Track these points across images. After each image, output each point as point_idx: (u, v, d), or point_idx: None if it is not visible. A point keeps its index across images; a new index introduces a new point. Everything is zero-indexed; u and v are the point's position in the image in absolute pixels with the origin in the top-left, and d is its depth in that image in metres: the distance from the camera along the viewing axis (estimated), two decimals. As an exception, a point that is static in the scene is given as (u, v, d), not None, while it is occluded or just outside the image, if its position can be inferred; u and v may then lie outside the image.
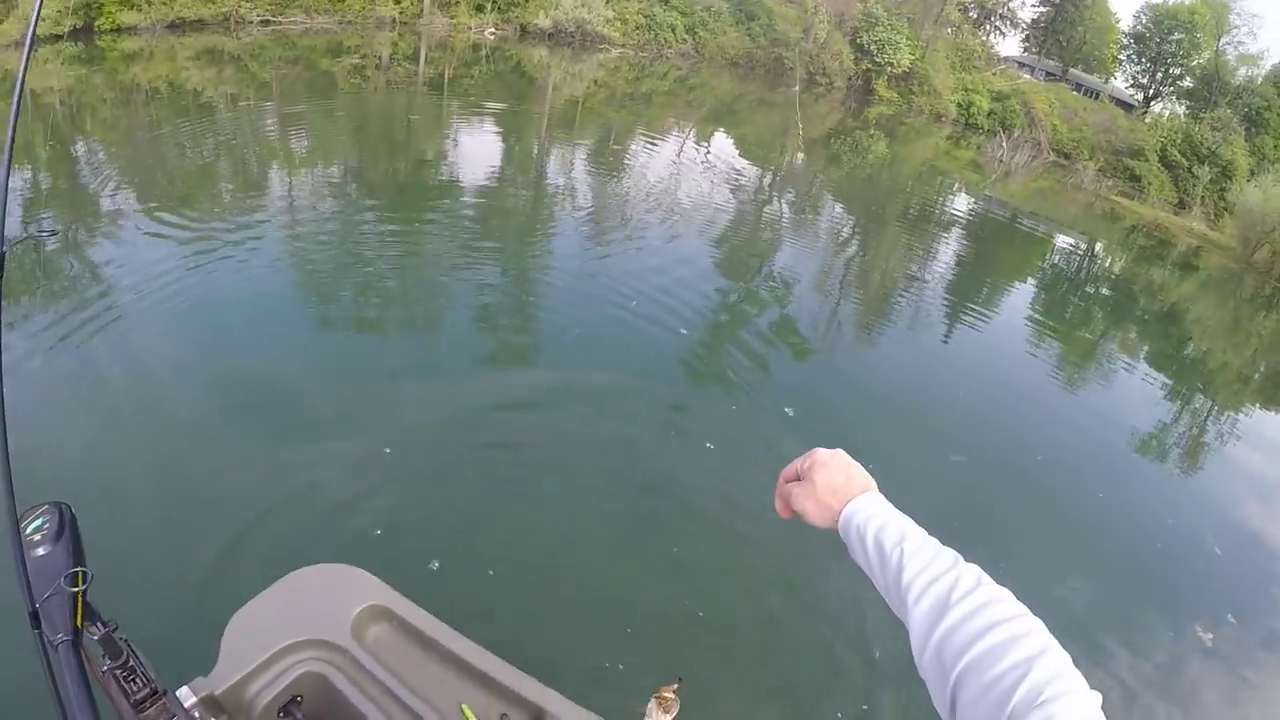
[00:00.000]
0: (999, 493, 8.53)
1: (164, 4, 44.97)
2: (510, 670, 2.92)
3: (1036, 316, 14.97)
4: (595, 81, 36.29)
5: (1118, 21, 64.68)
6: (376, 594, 3.12)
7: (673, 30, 51.85)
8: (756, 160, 24.06)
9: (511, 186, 15.89)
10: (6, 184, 2.22)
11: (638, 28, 51.49)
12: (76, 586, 1.87)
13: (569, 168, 18.34)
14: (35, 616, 1.84)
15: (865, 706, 5.15)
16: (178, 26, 43.96)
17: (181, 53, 34.73)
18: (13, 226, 11.11)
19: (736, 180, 19.72)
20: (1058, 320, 15.35)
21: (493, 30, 50.08)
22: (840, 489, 1.52)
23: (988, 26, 60.65)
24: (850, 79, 51.25)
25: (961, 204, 25.48)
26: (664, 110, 31.16)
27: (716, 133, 28.24)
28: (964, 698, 1.09)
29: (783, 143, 29.19)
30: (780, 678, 5.43)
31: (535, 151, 20.11)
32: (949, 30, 53.50)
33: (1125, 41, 63.42)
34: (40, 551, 1.94)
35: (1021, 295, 16.32)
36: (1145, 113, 59.38)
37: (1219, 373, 16.06)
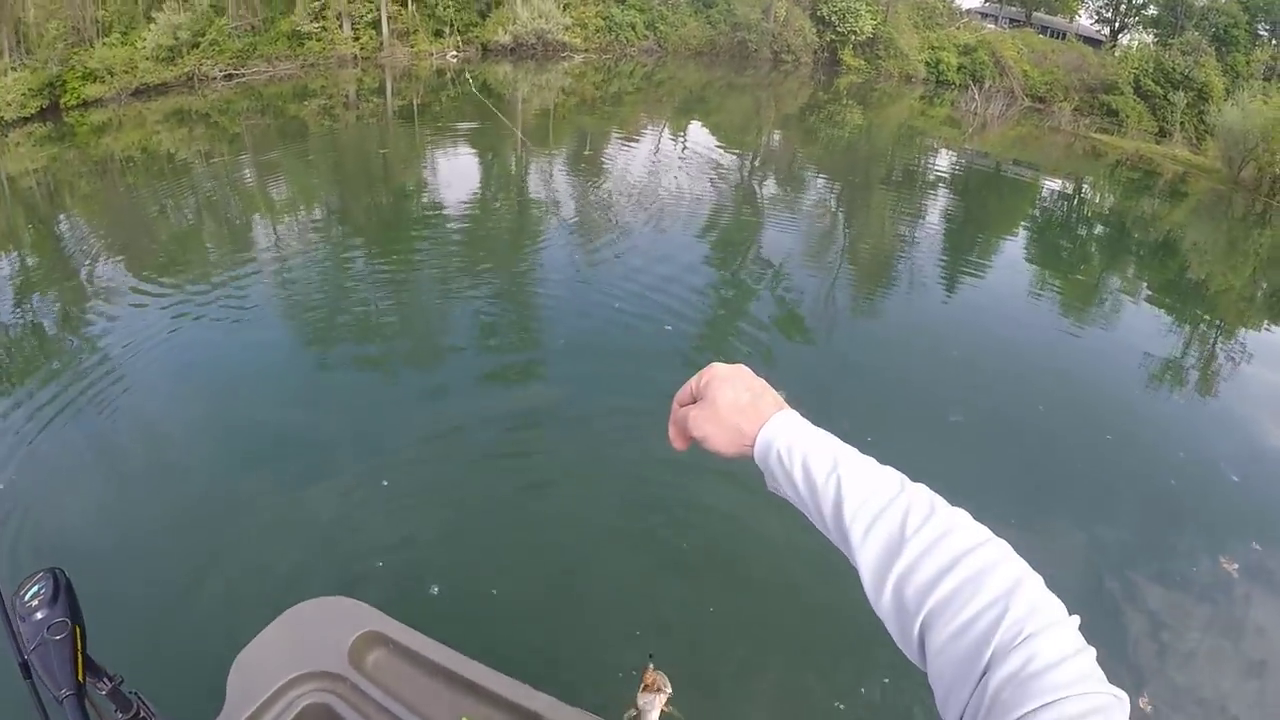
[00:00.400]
0: (1003, 448, 8.40)
1: (126, 73, 45.30)
2: (505, 680, 3.01)
3: (1032, 264, 14.91)
4: (563, 90, 36.38)
5: None
6: (371, 621, 3.23)
7: (633, 28, 51.87)
8: (733, 145, 24.02)
9: (494, 205, 15.90)
10: None
11: (597, 30, 51.56)
12: (75, 643, 1.97)
13: (549, 179, 18.35)
14: (26, 667, 1.91)
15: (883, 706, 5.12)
16: (142, 93, 44.27)
17: (150, 118, 35.00)
18: (7, 316, 11.33)
19: (716, 168, 19.70)
20: (1054, 265, 15.27)
21: (454, 53, 50.19)
22: (748, 409, 1.32)
23: (945, -19, 60.61)
24: (816, 53, 51.14)
25: (943, 161, 25.38)
26: (635, 109, 31.16)
27: (690, 123, 28.21)
28: (934, 642, 0.98)
29: (758, 124, 29.19)
30: (794, 681, 5.38)
31: (513, 167, 20.11)
32: (908, -9, 53.40)
33: None
34: (38, 616, 1.99)
35: (1015, 244, 16.24)
36: (1114, 46, 58.98)
37: (1221, 296, 15.94)
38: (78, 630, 2.03)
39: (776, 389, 1.37)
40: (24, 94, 44.23)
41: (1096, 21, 64.06)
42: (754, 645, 5.47)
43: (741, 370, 1.38)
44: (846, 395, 8.86)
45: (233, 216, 16.72)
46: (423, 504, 6.69)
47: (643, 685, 1.84)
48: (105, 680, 2.15)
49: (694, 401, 1.40)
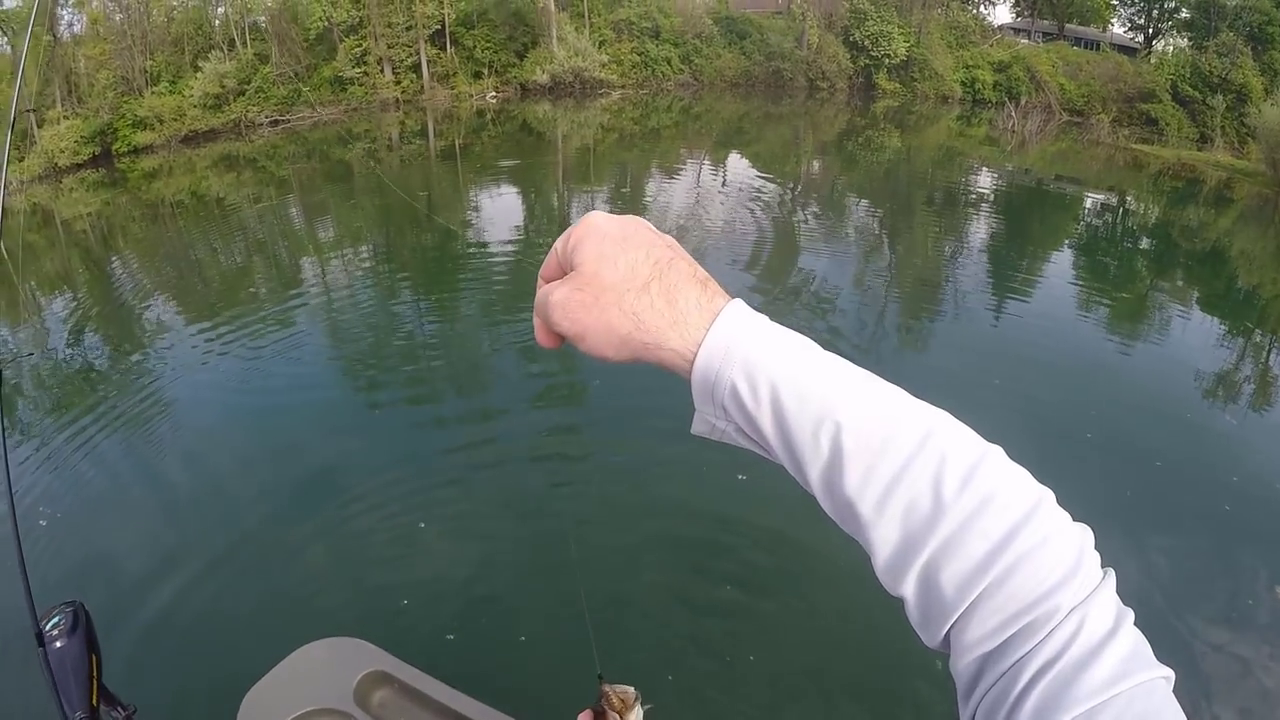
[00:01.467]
0: (1048, 476, 7.89)
1: (175, 120, 46.21)
2: (503, 718, 3.10)
3: (1077, 282, 14.61)
4: (602, 126, 36.52)
5: None
6: (378, 661, 3.36)
7: (668, 63, 52.08)
8: (773, 174, 23.90)
9: (536, 242, 15.89)
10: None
11: (634, 66, 51.83)
12: (91, 670, 2.17)
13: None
14: (40, 636, 2.19)
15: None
16: (191, 139, 45.21)
17: (199, 163, 35.49)
18: (62, 350, 11.63)
19: (757, 198, 19.60)
20: (1099, 282, 14.97)
21: (494, 94, 50.62)
22: (646, 280, 0.85)
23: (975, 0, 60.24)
24: (851, 78, 51.06)
25: (984, 181, 25.10)
26: (674, 143, 31.22)
27: (729, 155, 28.18)
28: (971, 636, 0.75)
29: (796, 153, 29.08)
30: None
31: (555, 205, 20.14)
32: (938, 10, 53.07)
33: None
34: (58, 644, 2.16)
35: (1059, 262, 15.95)
36: (1149, 53, 58.08)
37: (1274, 304, 15.54)
38: (94, 659, 2.20)
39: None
40: (76, 141, 45.04)
41: (1129, 29, 63.20)
42: (799, 699, 5.33)
43: (635, 224, 0.90)
44: None
45: (280, 257, 16.97)
46: (456, 544, 6.72)
47: (605, 710, 1.36)
48: (120, 709, 2.31)
49: (562, 276, 0.90)
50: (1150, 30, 60.83)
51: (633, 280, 0.84)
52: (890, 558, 0.78)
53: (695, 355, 0.82)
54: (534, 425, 8.68)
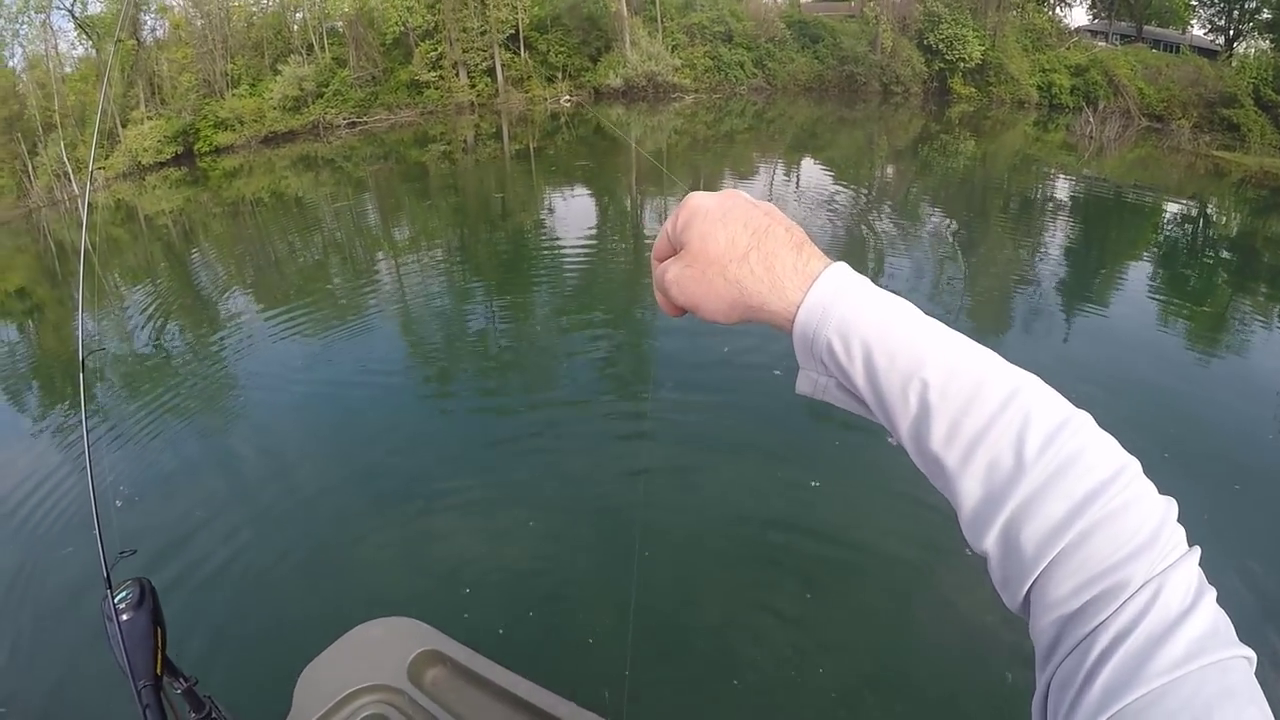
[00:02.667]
0: None
1: (255, 122, 47.52)
2: (562, 702, 3.09)
3: (1156, 295, 14.06)
4: (675, 130, 36.45)
5: None
6: (431, 641, 3.41)
7: (741, 67, 52.02)
8: (847, 180, 23.61)
9: (610, 245, 15.86)
10: (81, 306, 3.45)
11: (706, 71, 51.86)
12: (155, 642, 2.38)
13: (663, 219, 18.18)
14: (108, 580, 2.51)
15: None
16: (271, 140, 46.54)
17: (278, 164, 36.06)
18: (142, 339, 12.29)
19: (831, 204, 19.34)
20: (1179, 294, 14.41)
21: (568, 98, 50.90)
22: (746, 249, 0.91)
23: (1051, 1, 59.09)
24: (925, 83, 50.61)
25: (1061, 188, 24.47)
26: (747, 147, 31.01)
27: (803, 160, 27.92)
28: (1051, 596, 0.75)
29: (870, 158, 28.76)
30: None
31: (629, 207, 20.08)
32: (1014, 13, 52.18)
33: None
34: (125, 617, 2.35)
35: (1137, 273, 15.42)
36: (1230, 56, 56.26)
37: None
38: (159, 632, 2.40)
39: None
40: (160, 141, 47.17)
41: (1210, 31, 61.46)
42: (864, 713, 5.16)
43: (733, 198, 0.98)
44: None
45: (356, 254, 17.19)
46: (519, 537, 6.68)
47: None
48: (182, 680, 2.50)
49: (674, 254, 1.01)
50: (1231, 32, 59.08)
51: (733, 251, 0.92)
52: (973, 513, 0.80)
53: (795, 316, 0.88)
54: (604, 425, 8.61)
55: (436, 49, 51.03)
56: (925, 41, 49.64)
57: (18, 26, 52.33)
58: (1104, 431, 0.81)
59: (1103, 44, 56.77)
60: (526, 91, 51.68)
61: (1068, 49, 52.24)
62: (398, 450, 8.13)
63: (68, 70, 54.35)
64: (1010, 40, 50.54)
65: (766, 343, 9.60)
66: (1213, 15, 59.65)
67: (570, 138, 35.57)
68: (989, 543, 0.79)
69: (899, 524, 6.37)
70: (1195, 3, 60.15)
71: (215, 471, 8.07)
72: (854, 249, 15.11)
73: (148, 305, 15.05)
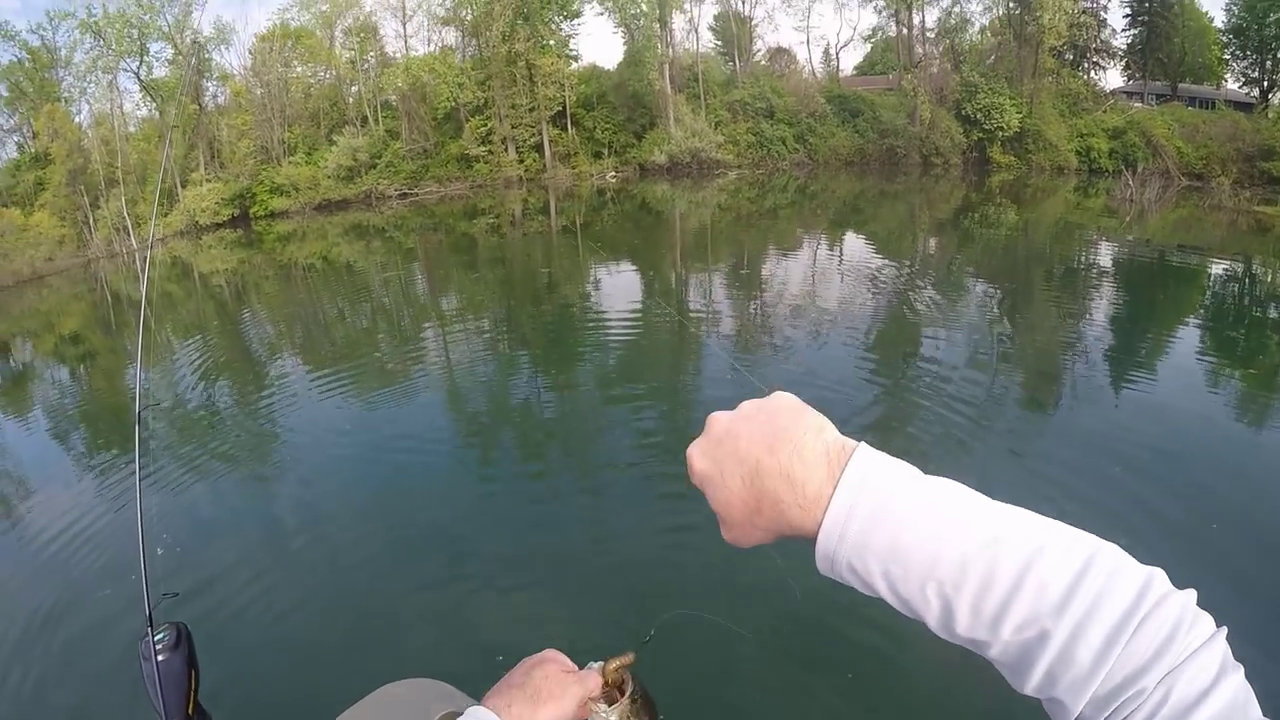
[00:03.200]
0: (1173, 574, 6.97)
1: (310, 189, 48.66)
2: None
3: (1204, 357, 13.60)
4: (719, 206, 36.59)
5: (1211, 21, 61.00)
6: (457, 702, 3.21)
7: (783, 142, 52.39)
8: (890, 253, 23.42)
9: (655, 320, 15.75)
10: (141, 360, 3.62)
11: (749, 146, 52.30)
12: (189, 685, 2.46)
13: (708, 294, 18.15)
14: (150, 620, 2.62)
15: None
16: (324, 207, 47.69)
17: (331, 230, 36.58)
18: (190, 391, 12.73)
19: (874, 278, 19.14)
20: (1228, 356, 13.91)
21: (613, 174, 51.44)
22: (758, 501, 0.92)
23: (1085, 65, 58.95)
24: (965, 153, 50.65)
25: (1104, 254, 24.10)
26: (790, 222, 31.03)
27: (845, 234, 27.84)
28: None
29: (913, 231, 28.68)
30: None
31: (674, 283, 20.08)
32: (1049, 79, 52.21)
33: (1225, 39, 59.69)
34: (161, 658, 2.41)
35: (1184, 337, 14.97)
36: (1266, 108, 55.64)
37: None
38: (193, 675, 2.48)
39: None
40: (217, 203, 48.77)
41: (1244, 84, 60.92)
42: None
43: (779, 400, 1.00)
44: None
45: (403, 321, 17.36)
46: (561, 610, 6.51)
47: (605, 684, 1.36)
48: None
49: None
50: (1265, 84, 58.52)
51: (747, 512, 0.95)
52: (1010, 672, 0.84)
53: (815, 541, 0.89)
54: (648, 499, 8.45)
55: (486, 124, 51.91)
56: (963, 112, 49.76)
57: (85, 84, 54.70)
58: (1123, 556, 0.82)
59: (1139, 104, 56.38)
60: (573, 167, 52.32)
61: (1104, 112, 52.04)
62: (437, 514, 8.04)
63: (131, 129, 56.28)
64: (1047, 106, 50.52)
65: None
66: (1246, 68, 59.10)
67: (616, 213, 35.81)
68: (1029, 691, 0.82)
69: None
70: (1228, 57, 59.74)
71: (253, 523, 8.12)
72: (898, 325, 14.96)
73: (198, 359, 15.44)
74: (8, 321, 30.26)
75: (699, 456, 1.01)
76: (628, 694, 1.35)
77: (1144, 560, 0.81)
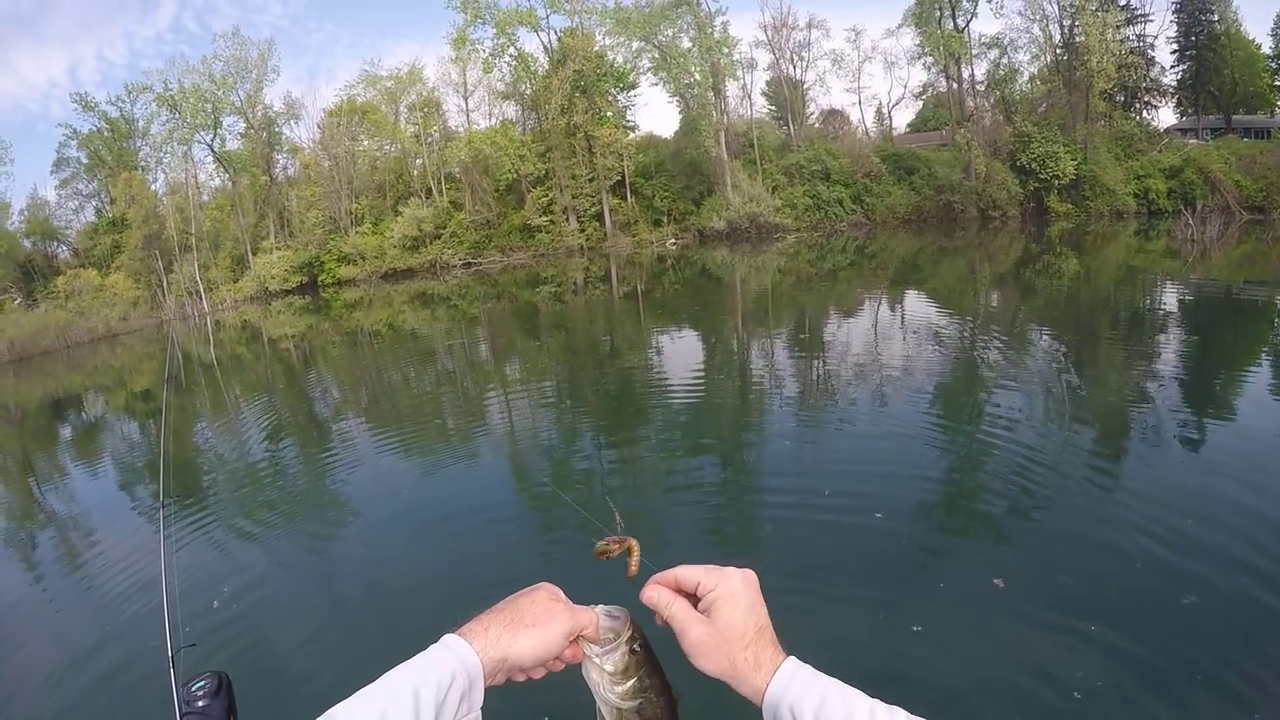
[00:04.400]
0: (1244, 628, 5.91)
1: (376, 258, 49.98)
2: None
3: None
4: (779, 270, 36.40)
5: (1260, 48, 60.82)
6: None
7: (840, 204, 52.44)
8: (952, 310, 22.80)
9: (717, 385, 15.40)
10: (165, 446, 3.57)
11: (807, 209, 52.48)
12: None
13: (770, 358, 17.73)
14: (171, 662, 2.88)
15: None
16: (390, 276, 49.02)
17: (397, 298, 37.11)
18: (256, 450, 13.26)
19: (936, 336, 18.55)
20: None
21: (673, 241, 51.78)
22: (751, 642, 1.23)
23: (1137, 105, 58.14)
24: (1022, 204, 50.17)
25: (1170, 297, 23.23)
26: (850, 284, 30.56)
27: (906, 293, 27.29)
28: None
29: (974, 286, 28.14)
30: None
31: (735, 348, 19.77)
32: (1101, 123, 51.61)
33: (1275, 65, 59.46)
34: (201, 704, 2.49)
35: (1257, 375, 14.09)
36: None
37: None
38: None
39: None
40: (287, 270, 50.86)
41: None
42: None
43: (752, 584, 1.30)
44: (1072, 588, 7.08)
45: (467, 387, 17.32)
46: None
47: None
48: None
49: (692, 597, 1.31)
50: None
51: (743, 633, 1.25)
52: None
53: (764, 693, 1.21)
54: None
55: (548, 195, 52.61)
56: (1018, 162, 49.28)
57: (161, 154, 57.14)
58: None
59: (1194, 140, 55.43)
60: (633, 235, 52.66)
61: (1159, 151, 51.13)
62: (493, 583, 7.80)
63: (204, 198, 58.82)
64: (1102, 151, 49.83)
65: (868, 485, 9.11)
66: None
67: (676, 279, 35.79)
68: None
69: (1003, 677, 5.72)
70: (1279, 83, 58.78)
71: (304, 581, 8.10)
72: (963, 381, 14.43)
73: (264, 419, 15.94)
74: (83, 375, 31.38)
75: (702, 640, 1.26)
76: (624, 639, 1.33)
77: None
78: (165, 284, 48.46)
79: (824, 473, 9.69)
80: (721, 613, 1.24)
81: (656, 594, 1.32)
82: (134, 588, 7.93)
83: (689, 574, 1.30)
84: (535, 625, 1.25)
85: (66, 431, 20.07)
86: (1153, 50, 57.60)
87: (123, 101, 59.94)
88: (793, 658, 1.23)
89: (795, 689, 1.17)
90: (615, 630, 1.34)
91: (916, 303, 24.83)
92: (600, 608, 1.37)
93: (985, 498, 9.00)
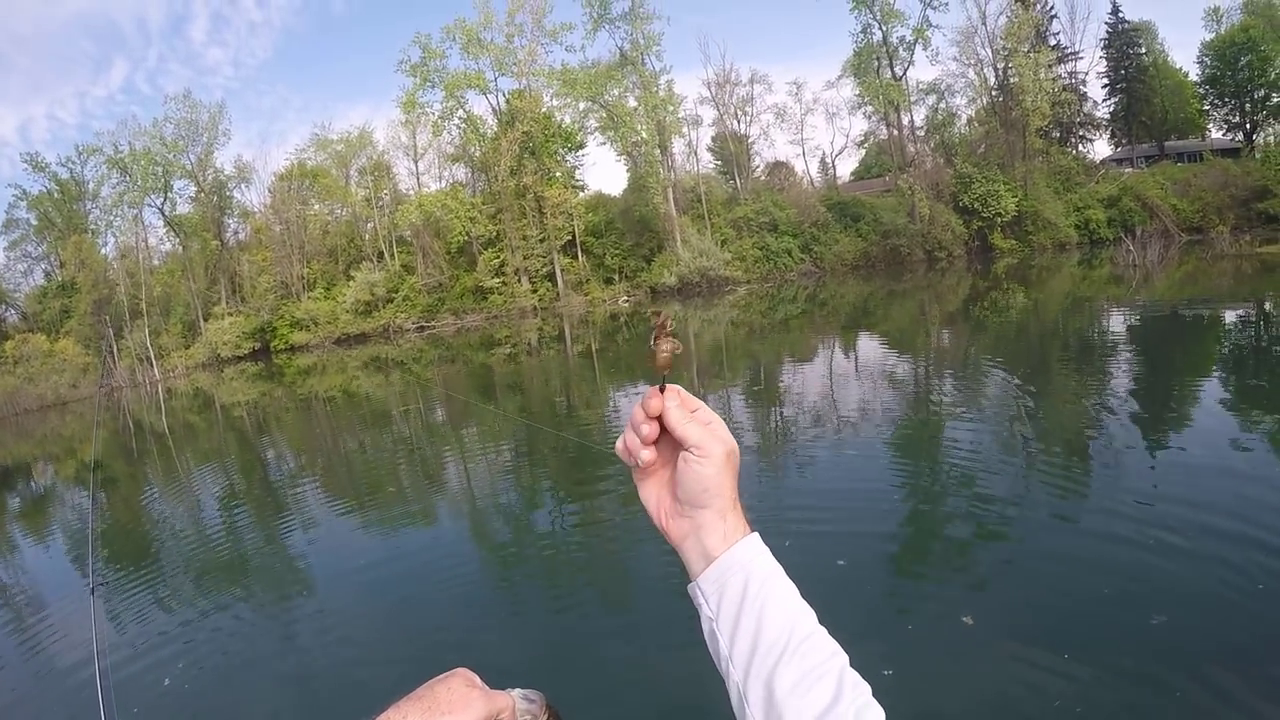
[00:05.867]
0: (1211, 643, 5.76)
1: (329, 323, 49.94)
2: None
3: (1233, 410, 12.67)
4: (731, 322, 36.47)
5: (1186, 76, 63.49)
6: None
7: (789, 254, 52.87)
8: (905, 350, 22.79)
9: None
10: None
11: (756, 261, 52.94)
12: None
13: (726, 409, 17.45)
14: None
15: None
16: (343, 341, 49.10)
17: (350, 363, 36.85)
18: (209, 520, 13.10)
19: (892, 376, 18.53)
20: (1253, 403, 13.08)
21: (625, 298, 51.85)
22: (730, 492, 1.16)
23: (1073, 140, 59.49)
24: (967, 243, 51.19)
25: (1117, 321, 23.27)
26: (803, 332, 30.58)
27: (859, 336, 27.32)
28: None
29: (925, 326, 28.20)
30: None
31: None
32: (1039, 159, 52.95)
33: (1203, 91, 61.78)
34: None
35: (1208, 391, 14.00)
36: (1252, 149, 56.98)
37: None
38: None
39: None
40: (239, 336, 50.71)
41: (1227, 130, 61.67)
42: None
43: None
44: (1038, 619, 6.82)
45: (424, 452, 17.01)
46: None
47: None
48: None
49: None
50: (1248, 126, 59.14)
51: (730, 478, 1.19)
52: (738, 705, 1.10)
53: (737, 544, 1.17)
54: (676, 633, 7.73)
55: (499, 256, 52.63)
56: (960, 203, 50.31)
57: (112, 218, 57.14)
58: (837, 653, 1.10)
59: (1129, 169, 57.37)
60: (586, 294, 52.73)
61: (1097, 183, 52.93)
62: (455, 648, 7.47)
63: (155, 263, 58.56)
64: (1041, 186, 51.36)
65: (830, 530, 8.94)
66: (1227, 114, 60.50)
67: (630, 336, 35.63)
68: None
69: (980, 714, 5.47)
70: (1208, 107, 60.67)
71: (260, 655, 7.79)
72: (919, 422, 14.22)
73: (216, 488, 15.65)
74: (31, 444, 30.88)
75: (727, 446, 1.16)
76: None
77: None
78: (115, 350, 47.81)
79: (785, 520, 9.41)
80: (719, 436, 1.16)
81: (676, 421, 1.17)
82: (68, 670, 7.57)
83: (689, 430, 1.16)
84: (451, 713, 1.09)
85: (15, 502, 19.70)
86: (1084, 86, 59.69)
87: (73, 163, 59.95)
88: (753, 536, 1.17)
89: (760, 567, 1.14)
90: (532, 714, 1.22)
91: (869, 346, 24.85)
92: (516, 691, 1.23)
93: (948, 536, 8.81)
